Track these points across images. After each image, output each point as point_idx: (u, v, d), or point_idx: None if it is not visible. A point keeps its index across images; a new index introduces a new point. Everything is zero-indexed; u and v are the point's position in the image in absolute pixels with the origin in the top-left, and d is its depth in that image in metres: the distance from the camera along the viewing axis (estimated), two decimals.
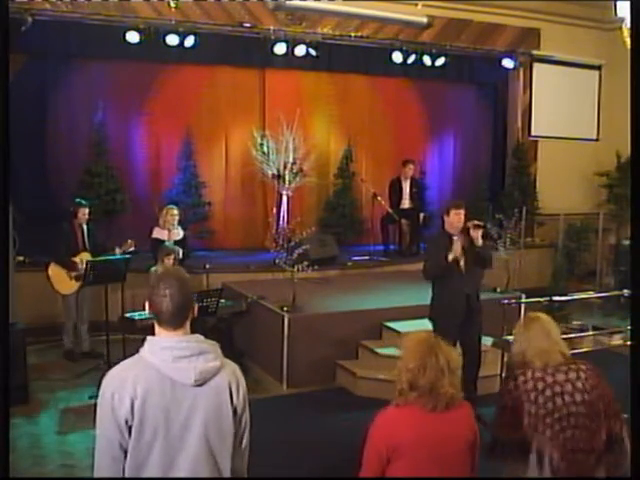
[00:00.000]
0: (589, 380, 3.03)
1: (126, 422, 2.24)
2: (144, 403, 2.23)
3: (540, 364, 3.05)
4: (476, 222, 5.43)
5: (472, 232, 5.40)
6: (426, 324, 5.72)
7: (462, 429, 2.70)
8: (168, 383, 2.26)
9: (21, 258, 7.29)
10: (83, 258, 6.78)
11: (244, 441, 2.46)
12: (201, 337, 2.37)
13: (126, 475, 2.27)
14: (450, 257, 5.37)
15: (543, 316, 3.26)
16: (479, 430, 2.80)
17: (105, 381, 2.30)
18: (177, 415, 2.27)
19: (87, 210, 6.96)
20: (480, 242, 5.43)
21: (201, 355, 2.30)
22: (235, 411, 2.37)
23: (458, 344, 5.17)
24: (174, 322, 2.33)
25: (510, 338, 5.60)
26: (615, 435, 3.03)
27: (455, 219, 5.42)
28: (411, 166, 9.42)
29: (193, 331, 2.40)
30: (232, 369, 2.41)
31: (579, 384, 3.02)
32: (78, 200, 7.06)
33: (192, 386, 2.27)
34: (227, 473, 2.37)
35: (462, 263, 5.46)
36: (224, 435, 2.35)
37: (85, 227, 6.96)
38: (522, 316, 3.37)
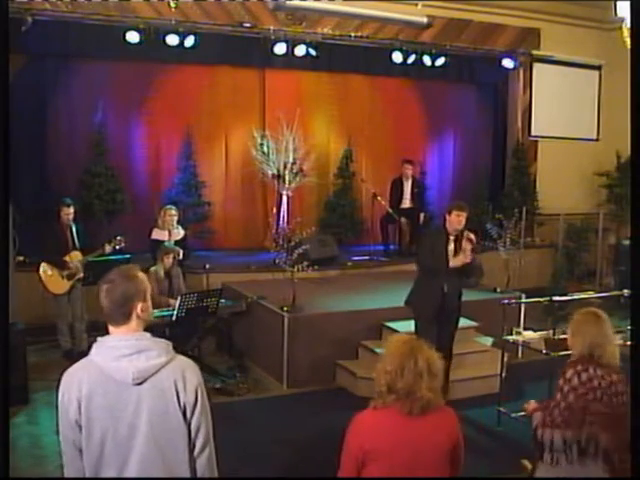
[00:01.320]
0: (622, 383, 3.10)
1: (76, 421, 2.28)
2: (89, 403, 2.25)
3: (612, 361, 3.09)
4: (471, 236, 5.47)
5: (464, 243, 5.47)
6: None
7: (440, 435, 2.64)
8: (112, 383, 2.26)
9: (21, 258, 7.28)
10: (73, 257, 6.79)
11: (198, 443, 2.35)
12: (145, 334, 2.35)
13: (86, 474, 2.30)
14: (452, 264, 5.48)
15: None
16: (462, 436, 2.73)
17: (61, 381, 2.34)
18: (123, 415, 2.27)
19: (71, 210, 6.93)
20: (469, 258, 5.45)
21: (142, 353, 2.28)
22: (185, 410, 2.31)
23: None
24: (114, 318, 2.33)
25: (510, 338, 5.66)
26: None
27: (455, 220, 5.49)
28: (408, 166, 9.41)
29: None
30: (181, 366, 2.34)
31: (620, 387, 3.07)
32: (63, 199, 7.04)
33: (133, 385, 2.26)
34: (184, 475, 2.33)
35: (451, 262, 5.54)
36: (173, 435, 2.31)
37: (73, 226, 6.96)
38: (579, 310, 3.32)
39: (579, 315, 3.25)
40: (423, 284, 5.67)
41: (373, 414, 2.65)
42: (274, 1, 7.68)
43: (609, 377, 3.05)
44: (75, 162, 8.49)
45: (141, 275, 2.40)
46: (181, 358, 2.38)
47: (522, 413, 4.20)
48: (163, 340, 2.37)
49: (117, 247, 6.83)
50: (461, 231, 5.51)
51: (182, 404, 2.31)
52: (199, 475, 2.37)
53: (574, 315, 3.31)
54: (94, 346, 2.34)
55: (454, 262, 5.48)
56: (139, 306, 2.34)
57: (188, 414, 2.33)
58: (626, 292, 6.10)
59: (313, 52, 9.05)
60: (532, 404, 3.45)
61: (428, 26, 8.65)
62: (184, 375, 2.32)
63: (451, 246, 5.54)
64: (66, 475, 2.35)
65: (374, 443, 2.58)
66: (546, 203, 10.62)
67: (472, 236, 5.48)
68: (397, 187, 9.41)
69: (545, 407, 3.20)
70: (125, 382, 2.25)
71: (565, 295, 6.47)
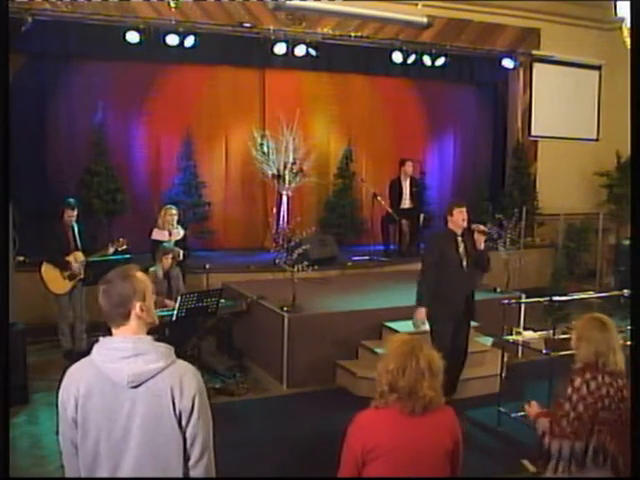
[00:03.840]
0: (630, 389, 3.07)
1: (73, 420, 2.28)
2: (86, 402, 2.25)
3: (618, 368, 3.06)
4: (482, 227, 5.58)
5: (476, 236, 5.51)
6: (426, 324, 5.73)
7: (441, 434, 2.65)
8: (109, 384, 2.25)
9: (21, 258, 7.29)
10: (76, 257, 6.79)
11: (194, 453, 2.29)
12: (145, 338, 2.31)
13: (82, 473, 2.30)
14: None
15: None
16: (462, 435, 2.74)
17: (63, 379, 2.35)
18: (118, 416, 2.25)
19: (75, 212, 6.93)
20: (482, 246, 5.56)
21: (139, 356, 2.25)
22: (180, 417, 2.26)
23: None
24: (112, 319, 2.31)
25: (510, 338, 5.66)
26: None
27: (459, 217, 5.50)
28: (409, 163, 9.39)
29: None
30: (180, 372, 2.28)
31: (625, 392, 3.05)
32: (66, 200, 7.04)
33: (128, 387, 2.24)
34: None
35: (465, 263, 5.51)
36: (167, 441, 2.26)
37: (75, 227, 6.96)
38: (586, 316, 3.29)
39: (584, 320, 3.21)
40: (445, 293, 5.49)
41: (374, 413, 2.65)
42: (274, 1, 7.68)
43: (616, 384, 3.04)
44: (75, 162, 8.49)
45: (139, 275, 2.35)
46: (181, 364, 2.32)
47: (522, 413, 4.19)
48: (164, 345, 2.32)
49: (119, 249, 6.83)
50: (467, 228, 5.54)
51: (177, 411, 2.25)
52: None
53: (579, 319, 3.28)
54: (95, 346, 2.33)
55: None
56: (137, 306, 2.30)
57: (184, 422, 2.26)
58: (626, 292, 6.10)
59: (313, 52, 9.04)
60: (534, 406, 3.41)
61: (428, 26, 8.66)
62: (182, 381, 2.26)
63: (461, 247, 5.51)
64: (66, 472, 2.35)
65: (375, 442, 2.58)
66: (546, 203, 10.62)
67: (482, 227, 5.57)
68: (395, 188, 9.40)
69: (552, 415, 3.17)
70: (121, 384, 2.23)
71: (565, 295, 6.48)
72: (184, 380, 2.27)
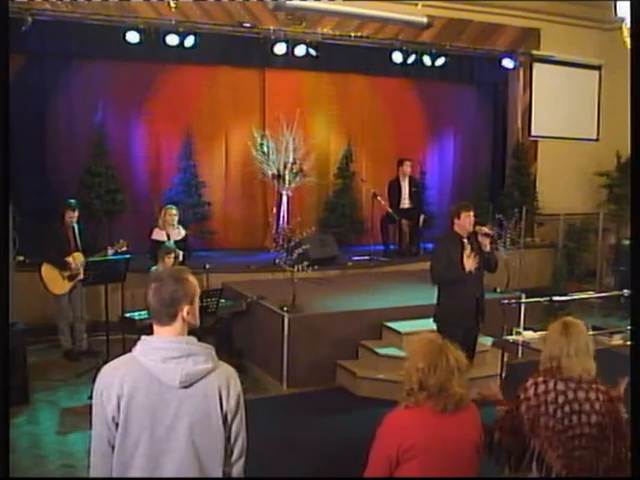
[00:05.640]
0: (605, 403, 2.96)
1: (113, 419, 2.26)
2: (130, 401, 2.25)
3: (575, 375, 2.95)
4: (485, 230, 5.50)
5: (481, 238, 5.46)
6: (426, 324, 5.73)
7: (470, 430, 2.70)
8: (156, 383, 2.26)
9: (21, 258, 7.30)
10: (75, 258, 6.80)
11: (236, 450, 2.40)
12: (193, 339, 2.35)
13: (113, 473, 2.28)
14: (467, 268, 5.35)
15: (583, 325, 3.11)
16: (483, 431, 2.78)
17: (98, 378, 2.33)
18: (163, 416, 2.27)
19: (76, 213, 6.94)
20: (488, 248, 5.51)
21: (190, 357, 2.29)
22: (226, 417, 2.35)
23: None
24: (159, 318, 2.33)
25: (510, 338, 5.66)
26: (622, 457, 2.95)
27: (466, 221, 5.42)
28: (408, 163, 9.37)
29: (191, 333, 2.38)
30: (226, 373, 2.38)
31: (597, 406, 2.94)
32: (67, 201, 7.05)
33: (178, 388, 2.26)
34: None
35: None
36: (212, 440, 2.32)
37: (76, 227, 6.96)
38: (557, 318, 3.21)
39: (553, 323, 3.17)
40: (454, 295, 5.45)
41: (406, 413, 2.65)
42: (274, 1, 7.68)
43: (573, 394, 2.93)
44: (75, 162, 8.48)
45: (191, 278, 2.38)
46: (226, 365, 2.40)
47: None
48: (209, 346, 2.37)
49: (119, 250, 6.83)
50: (472, 231, 5.48)
51: (224, 411, 2.33)
52: None
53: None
54: (139, 344, 2.33)
55: (469, 265, 5.34)
56: (185, 309, 2.33)
57: (229, 421, 2.35)
58: (626, 292, 6.10)
59: (313, 52, 9.03)
60: (494, 389, 3.40)
61: (428, 26, 8.64)
62: (228, 382, 2.36)
63: (467, 249, 5.41)
64: (92, 473, 2.33)
65: (412, 442, 2.58)
66: (546, 203, 10.62)
67: (486, 230, 5.49)
68: (395, 189, 9.37)
69: (506, 412, 3.15)
70: (170, 384, 2.25)
71: (565, 295, 6.49)
72: (230, 381, 2.38)
